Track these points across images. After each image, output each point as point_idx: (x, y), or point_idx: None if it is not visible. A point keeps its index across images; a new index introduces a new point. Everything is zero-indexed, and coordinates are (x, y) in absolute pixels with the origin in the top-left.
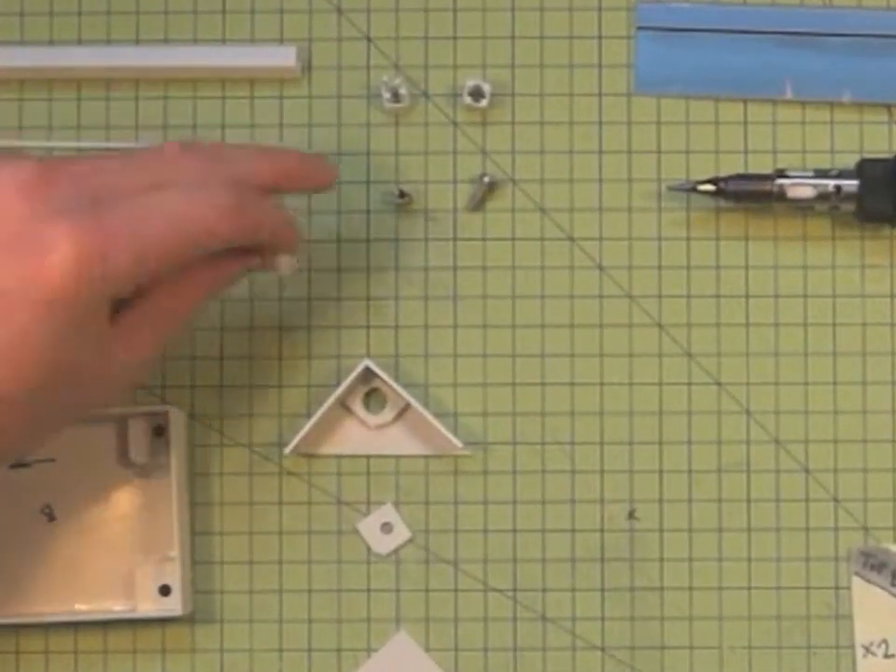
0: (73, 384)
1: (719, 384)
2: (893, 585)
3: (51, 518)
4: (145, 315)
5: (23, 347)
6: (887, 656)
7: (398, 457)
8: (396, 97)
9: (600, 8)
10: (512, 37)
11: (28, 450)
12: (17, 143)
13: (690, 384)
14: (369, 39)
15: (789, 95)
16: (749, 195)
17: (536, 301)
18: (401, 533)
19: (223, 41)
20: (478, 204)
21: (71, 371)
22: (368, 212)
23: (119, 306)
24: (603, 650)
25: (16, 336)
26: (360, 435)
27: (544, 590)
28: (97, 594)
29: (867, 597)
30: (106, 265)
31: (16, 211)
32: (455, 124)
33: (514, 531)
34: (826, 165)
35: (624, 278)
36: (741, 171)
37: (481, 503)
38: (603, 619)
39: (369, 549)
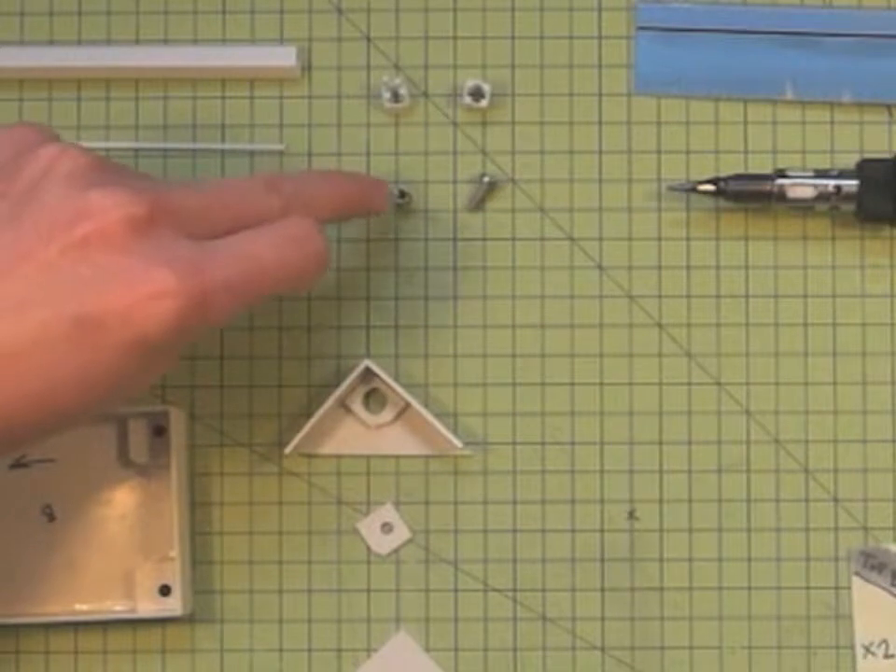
0: (99, 403)
1: (719, 384)
2: (893, 585)
3: (51, 518)
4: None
5: (97, 378)
6: (887, 656)
7: (398, 457)
8: (396, 97)
9: (600, 8)
10: (512, 37)
11: (32, 445)
12: None
13: (690, 384)
14: (369, 39)
15: (789, 95)
16: (749, 195)
17: (536, 301)
18: (401, 533)
19: (223, 41)
20: (478, 204)
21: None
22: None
23: None
24: (603, 650)
25: (96, 367)
26: (360, 435)
27: (544, 590)
28: (97, 594)
29: (867, 597)
30: (202, 318)
31: (122, 243)
32: (454, 124)
33: (514, 531)
34: (826, 165)
35: (624, 278)
36: (741, 171)
37: (481, 503)
38: (603, 619)
39: (369, 549)
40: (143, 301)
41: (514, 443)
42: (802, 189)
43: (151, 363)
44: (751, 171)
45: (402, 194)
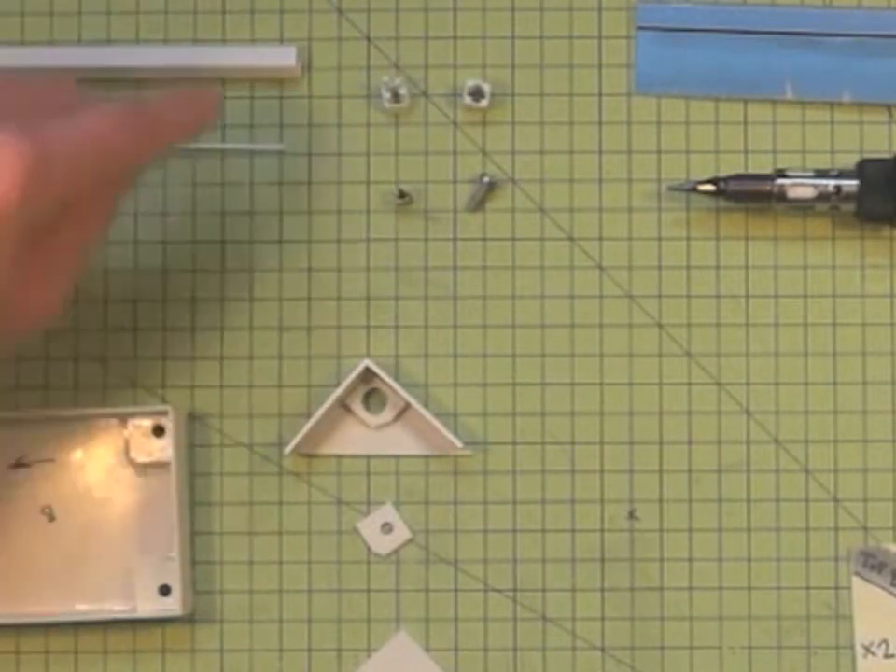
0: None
1: (719, 384)
2: (893, 585)
3: (51, 518)
4: (57, 250)
5: None
6: (887, 656)
7: (398, 457)
8: (396, 97)
9: (600, 8)
10: (512, 37)
11: None
12: None
13: (690, 384)
14: (369, 39)
15: (789, 95)
16: (749, 195)
17: (536, 301)
18: (401, 533)
19: (223, 41)
20: (478, 204)
21: None
22: (368, 212)
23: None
24: (603, 650)
25: None
26: (360, 435)
27: (544, 590)
28: (97, 594)
29: (867, 597)
30: (47, 174)
31: None
32: (455, 124)
33: (514, 531)
34: (826, 165)
35: (624, 278)
36: (741, 171)
37: (481, 503)
38: (603, 619)
39: (369, 549)
40: None
41: (514, 443)
42: (802, 188)
43: (23, 260)
44: (751, 171)
45: (402, 194)
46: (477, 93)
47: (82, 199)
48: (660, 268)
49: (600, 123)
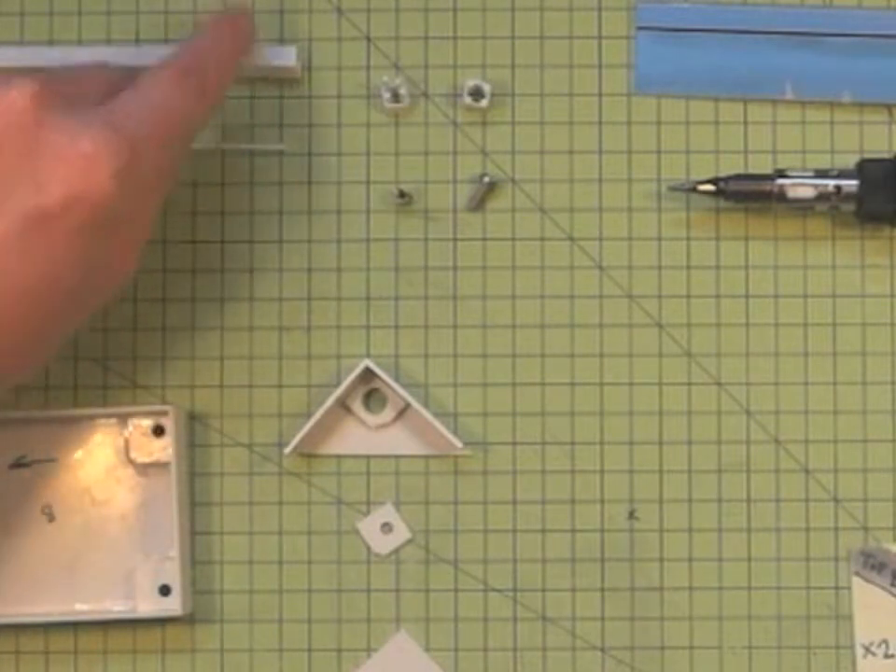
0: (83, 298)
1: (719, 384)
2: (893, 585)
3: (51, 518)
4: (135, 221)
5: (60, 272)
6: (887, 656)
7: (398, 457)
8: (396, 97)
9: (600, 8)
10: (512, 37)
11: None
12: None
13: (690, 384)
14: (369, 39)
15: (789, 95)
16: (749, 195)
17: (536, 301)
18: (401, 533)
19: None
20: (478, 204)
21: (87, 289)
22: (368, 212)
23: None
24: (603, 650)
25: (55, 261)
26: (360, 435)
27: (544, 590)
28: (97, 594)
29: (867, 597)
30: (136, 168)
31: (36, 121)
32: (455, 124)
33: (514, 531)
34: (826, 165)
35: (624, 278)
36: (741, 171)
37: (481, 503)
38: (603, 619)
39: (369, 549)
40: (79, 171)
41: (514, 443)
42: (802, 188)
43: (108, 241)
44: (751, 171)
45: (402, 194)
46: (477, 93)
47: (154, 172)
48: (660, 268)
49: (600, 123)
